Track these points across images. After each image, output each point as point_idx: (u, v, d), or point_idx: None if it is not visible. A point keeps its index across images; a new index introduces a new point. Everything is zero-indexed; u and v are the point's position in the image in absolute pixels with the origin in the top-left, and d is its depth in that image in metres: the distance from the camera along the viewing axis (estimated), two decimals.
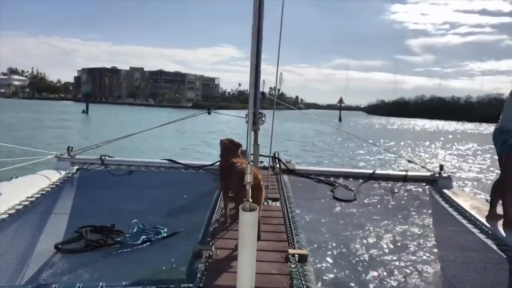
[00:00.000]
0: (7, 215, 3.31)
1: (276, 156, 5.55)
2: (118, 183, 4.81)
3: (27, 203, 3.65)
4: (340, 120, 52.84)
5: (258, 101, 4.50)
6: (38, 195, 3.90)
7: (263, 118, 4.53)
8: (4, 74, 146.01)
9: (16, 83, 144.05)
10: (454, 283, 2.71)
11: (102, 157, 5.19)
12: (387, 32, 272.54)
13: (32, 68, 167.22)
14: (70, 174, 4.74)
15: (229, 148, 3.67)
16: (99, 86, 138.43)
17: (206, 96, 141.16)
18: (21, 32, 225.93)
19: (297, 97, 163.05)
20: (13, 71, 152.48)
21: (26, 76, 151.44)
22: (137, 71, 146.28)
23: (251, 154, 3.80)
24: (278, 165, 5.47)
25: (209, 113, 6.21)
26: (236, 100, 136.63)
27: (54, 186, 4.30)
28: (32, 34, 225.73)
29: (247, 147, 2.13)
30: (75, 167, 4.96)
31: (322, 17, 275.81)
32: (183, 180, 4.97)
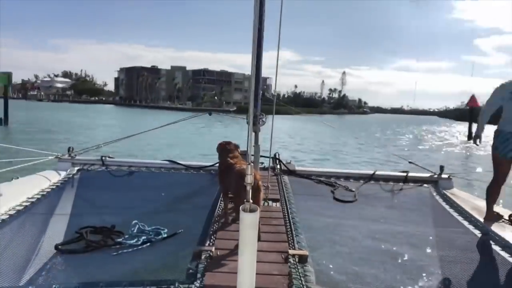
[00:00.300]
0: (7, 216, 3.31)
1: (277, 157, 5.55)
2: (119, 184, 4.82)
3: (27, 203, 3.65)
4: (470, 138, 26.85)
5: (259, 102, 4.50)
6: (39, 196, 3.90)
7: (264, 119, 4.53)
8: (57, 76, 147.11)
9: (59, 85, 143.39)
10: (455, 284, 2.71)
11: (103, 157, 5.19)
12: (454, 31, 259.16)
13: (81, 70, 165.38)
14: (71, 175, 4.74)
15: (227, 149, 3.69)
16: (136, 87, 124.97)
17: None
18: (92, 39, 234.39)
19: (360, 99, 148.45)
20: (66, 75, 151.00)
21: (74, 79, 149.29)
22: (179, 71, 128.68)
23: (252, 155, 3.80)
24: (278, 166, 5.47)
25: (210, 114, 6.39)
26: (291, 104, 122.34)
27: (54, 186, 4.30)
28: (102, 42, 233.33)
29: (247, 148, 2.14)
30: (76, 168, 4.96)
31: (384, 17, 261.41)
32: (184, 181, 4.98)
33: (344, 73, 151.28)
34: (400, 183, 5.14)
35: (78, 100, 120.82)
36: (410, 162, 5.92)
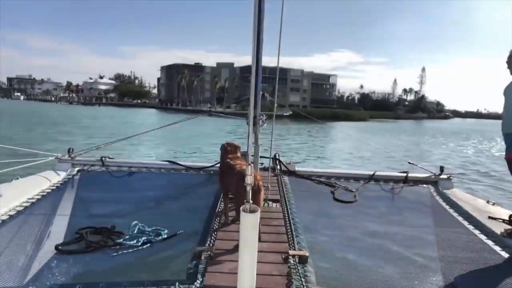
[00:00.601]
0: (7, 216, 3.31)
1: (277, 157, 5.55)
2: (119, 185, 4.82)
3: (27, 204, 3.65)
4: None
5: (259, 102, 4.50)
6: (39, 197, 3.90)
7: (263, 119, 4.54)
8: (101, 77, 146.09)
9: (102, 87, 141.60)
10: (454, 284, 2.71)
11: (103, 158, 5.19)
12: None
13: (131, 71, 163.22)
14: (71, 176, 4.75)
15: (228, 150, 3.70)
16: (177, 88, 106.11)
17: (317, 100, 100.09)
18: (156, 46, 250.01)
19: (438, 102, 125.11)
20: (119, 77, 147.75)
21: (118, 81, 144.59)
22: (225, 68, 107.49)
23: (252, 156, 3.80)
24: (278, 166, 5.47)
25: (210, 115, 6.40)
26: (358, 106, 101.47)
27: (54, 187, 4.31)
28: (165, 48, 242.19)
29: (247, 149, 2.14)
30: (76, 169, 4.97)
31: (447, 15, 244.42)
32: (184, 181, 4.98)
33: (423, 69, 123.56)
34: (400, 184, 5.14)
35: (116, 103, 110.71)
36: (409, 163, 5.92)
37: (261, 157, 4.88)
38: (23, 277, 2.55)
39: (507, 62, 3.70)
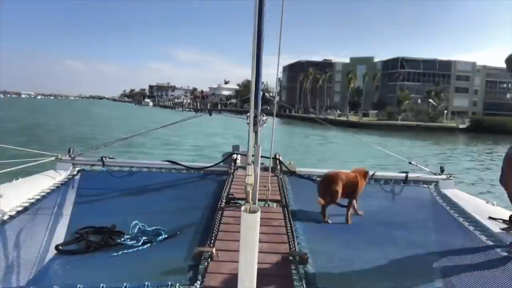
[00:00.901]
0: (7, 217, 3.31)
1: (277, 157, 5.55)
2: (119, 184, 4.82)
3: (27, 204, 3.65)
4: None
5: (259, 102, 4.50)
6: (39, 197, 3.90)
7: (264, 119, 4.53)
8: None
9: (226, 92, 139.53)
10: (455, 284, 2.71)
11: (103, 158, 5.19)
12: None
13: None
14: (71, 175, 4.75)
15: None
16: (299, 91, 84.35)
17: (493, 104, 74.15)
18: (288, 55, 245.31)
19: None
20: (246, 83, 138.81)
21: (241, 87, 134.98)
22: (362, 64, 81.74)
23: (252, 155, 3.80)
24: (279, 167, 5.46)
25: (210, 115, 6.41)
26: None
27: (54, 187, 4.31)
28: (296, 55, 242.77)
29: (247, 148, 2.14)
30: (76, 169, 4.97)
31: None
32: (184, 181, 4.98)
33: None
34: (400, 184, 5.14)
35: (231, 109, 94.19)
36: (410, 163, 5.92)
37: (262, 157, 4.87)
38: (23, 277, 2.55)
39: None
